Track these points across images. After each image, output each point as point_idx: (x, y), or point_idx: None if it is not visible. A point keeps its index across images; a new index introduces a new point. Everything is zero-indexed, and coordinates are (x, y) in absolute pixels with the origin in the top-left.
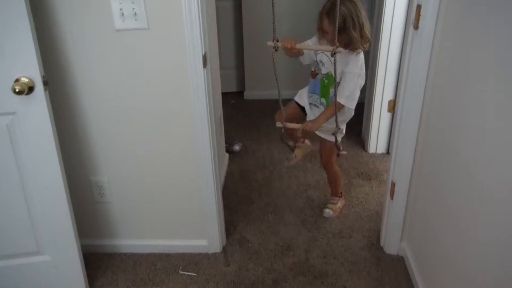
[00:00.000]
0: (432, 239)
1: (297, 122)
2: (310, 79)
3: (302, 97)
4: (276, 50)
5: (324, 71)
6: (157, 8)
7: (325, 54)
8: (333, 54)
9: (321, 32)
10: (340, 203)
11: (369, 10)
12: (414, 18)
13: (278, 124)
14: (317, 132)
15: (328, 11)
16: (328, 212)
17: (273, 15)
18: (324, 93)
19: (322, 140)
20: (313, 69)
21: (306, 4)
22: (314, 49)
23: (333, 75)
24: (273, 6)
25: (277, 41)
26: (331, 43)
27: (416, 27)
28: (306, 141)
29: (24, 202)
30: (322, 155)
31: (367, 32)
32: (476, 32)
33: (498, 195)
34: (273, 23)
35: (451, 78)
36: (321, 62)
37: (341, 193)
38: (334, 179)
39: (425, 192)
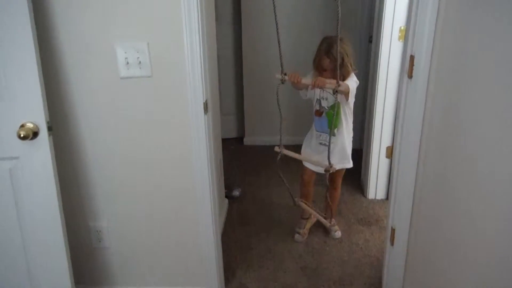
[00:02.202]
0: (434, 286)
1: (314, 185)
2: (315, 119)
3: (308, 154)
4: (282, 83)
5: (329, 104)
6: (161, 57)
7: (327, 91)
8: (335, 92)
9: (320, 70)
10: None
11: (365, 58)
12: (408, 68)
13: (276, 149)
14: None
15: (327, 52)
16: (339, 233)
17: (280, 48)
18: (334, 123)
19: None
20: (317, 108)
21: (309, 43)
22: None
23: (339, 104)
24: (279, 42)
25: (285, 74)
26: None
27: (410, 76)
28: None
29: (21, 246)
30: (336, 179)
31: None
32: (469, 80)
33: (500, 238)
34: (280, 58)
35: (446, 124)
36: (323, 98)
37: None
38: (336, 199)
39: (426, 237)
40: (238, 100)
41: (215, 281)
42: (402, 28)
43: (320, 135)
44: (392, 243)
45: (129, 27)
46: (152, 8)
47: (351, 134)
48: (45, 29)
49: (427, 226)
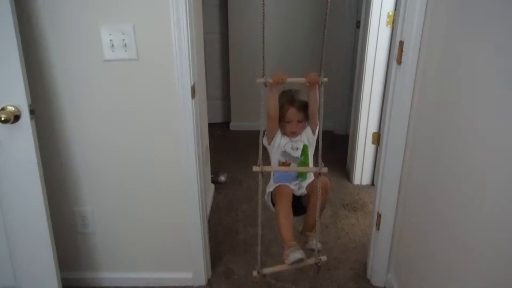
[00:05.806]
0: (419, 270)
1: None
2: (276, 173)
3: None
4: (266, 86)
5: (299, 153)
6: (147, 40)
7: (301, 140)
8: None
9: (292, 124)
10: None
11: (352, 43)
12: (397, 54)
13: (255, 169)
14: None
15: (291, 102)
16: (319, 245)
17: (263, 52)
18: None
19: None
20: (285, 161)
21: (292, 38)
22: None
23: (307, 147)
24: (263, 43)
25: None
26: (309, 126)
27: (399, 62)
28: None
29: (3, 232)
30: (324, 193)
31: None
32: (458, 66)
33: (486, 225)
34: (263, 59)
35: (434, 110)
36: (293, 149)
37: None
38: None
39: (411, 222)
40: (224, 84)
41: (201, 266)
42: (390, 13)
43: (292, 183)
44: (378, 228)
45: (114, 8)
46: None
47: None
48: (26, 10)
49: (413, 211)
